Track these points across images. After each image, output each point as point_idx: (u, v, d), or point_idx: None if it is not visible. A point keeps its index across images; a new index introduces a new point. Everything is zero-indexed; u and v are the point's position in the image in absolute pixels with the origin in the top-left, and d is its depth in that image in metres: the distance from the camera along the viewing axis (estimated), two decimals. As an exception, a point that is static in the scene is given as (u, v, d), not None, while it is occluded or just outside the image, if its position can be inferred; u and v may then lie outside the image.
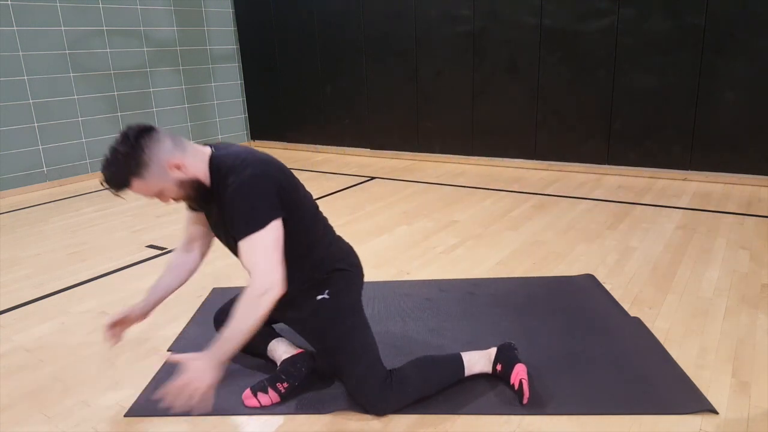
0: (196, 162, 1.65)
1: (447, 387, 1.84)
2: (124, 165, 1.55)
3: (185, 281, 1.92)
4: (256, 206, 1.60)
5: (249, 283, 1.57)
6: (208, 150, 1.71)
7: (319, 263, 1.80)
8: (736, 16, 4.07)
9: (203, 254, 1.95)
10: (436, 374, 1.81)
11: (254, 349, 2.06)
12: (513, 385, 1.80)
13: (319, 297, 1.79)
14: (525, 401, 1.75)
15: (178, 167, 1.61)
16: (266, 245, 1.58)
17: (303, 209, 1.76)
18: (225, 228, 1.71)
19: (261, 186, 1.62)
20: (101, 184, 1.61)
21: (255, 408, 1.81)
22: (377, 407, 1.73)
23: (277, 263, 1.58)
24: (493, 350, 1.90)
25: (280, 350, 1.95)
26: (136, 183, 1.58)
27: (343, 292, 1.82)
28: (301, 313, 1.83)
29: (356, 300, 1.86)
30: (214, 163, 1.67)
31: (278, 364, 1.92)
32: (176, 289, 1.91)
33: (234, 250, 1.78)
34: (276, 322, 2.14)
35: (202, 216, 1.85)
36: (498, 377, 1.87)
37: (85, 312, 2.59)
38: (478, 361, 1.88)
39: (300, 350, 1.92)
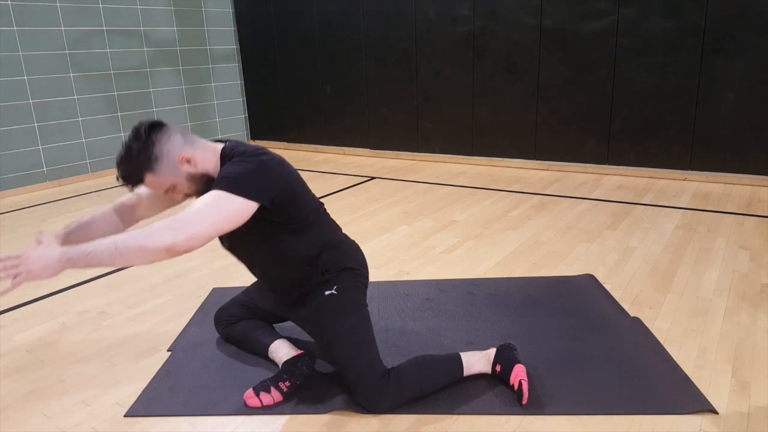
0: (206, 156, 1.69)
1: (445, 387, 1.85)
2: (137, 160, 1.60)
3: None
4: (251, 178, 1.59)
5: (171, 217, 1.51)
6: (220, 145, 1.74)
7: (329, 262, 1.83)
8: (736, 16, 4.07)
9: (132, 225, 1.92)
10: (434, 374, 1.81)
11: (256, 348, 2.07)
12: (512, 385, 1.80)
13: (327, 293, 1.81)
14: (524, 402, 1.75)
15: (188, 161, 1.64)
16: (225, 209, 1.54)
17: (312, 211, 1.81)
18: None
19: (268, 169, 1.64)
20: (117, 179, 1.64)
21: (256, 408, 1.81)
22: (374, 405, 1.73)
23: (210, 228, 1.51)
24: (493, 351, 1.91)
25: (282, 351, 1.96)
26: (149, 177, 1.63)
27: (351, 289, 1.84)
28: (309, 308, 1.85)
29: (362, 298, 1.88)
30: (226, 152, 1.71)
31: (280, 365, 1.93)
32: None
33: (237, 248, 1.81)
34: (280, 321, 2.15)
35: (166, 203, 1.84)
36: (498, 378, 1.87)
37: (85, 312, 2.59)
38: (477, 362, 1.88)
39: (301, 351, 1.93)
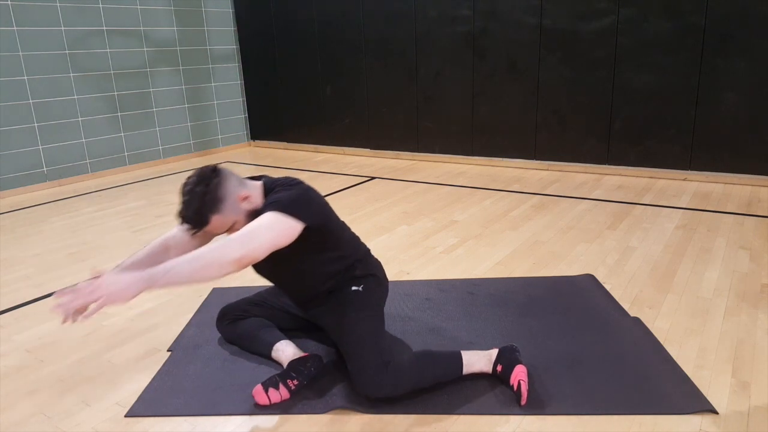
0: (256, 193, 1.83)
1: (443, 382, 1.86)
2: (203, 203, 1.69)
3: None
4: (297, 202, 1.76)
5: (234, 234, 1.65)
6: (260, 182, 1.89)
7: (358, 270, 1.99)
8: (736, 16, 4.07)
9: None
10: (432, 368, 1.83)
11: (259, 346, 2.07)
12: (512, 386, 1.80)
13: (353, 288, 1.96)
14: (523, 402, 1.75)
15: (246, 199, 1.77)
16: (279, 227, 1.68)
17: (341, 230, 1.97)
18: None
19: (310, 195, 1.81)
20: (181, 224, 1.74)
21: (260, 406, 1.82)
22: (371, 392, 1.75)
23: (267, 243, 1.65)
24: (495, 351, 1.91)
25: (288, 351, 1.98)
26: (214, 218, 1.72)
27: (373, 291, 1.99)
28: (332, 302, 1.96)
29: (382, 302, 2.02)
30: (268, 186, 1.86)
31: (284, 365, 1.94)
32: None
33: (279, 273, 1.95)
34: (291, 322, 2.19)
35: (198, 242, 1.88)
36: (498, 378, 1.88)
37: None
38: (478, 361, 1.89)
39: (308, 353, 1.95)
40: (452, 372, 1.86)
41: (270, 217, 1.68)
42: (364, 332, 1.84)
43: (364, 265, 2.01)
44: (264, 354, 2.06)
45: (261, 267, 1.92)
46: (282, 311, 2.18)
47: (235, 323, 2.16)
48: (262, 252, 1.63)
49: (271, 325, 2.13)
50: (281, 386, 1.82)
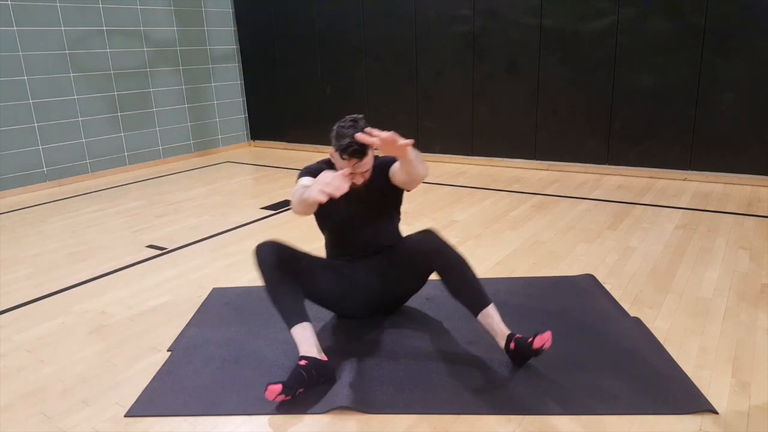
0: None
1: (469, 296, 2.02)
2: None
3: None
4: None
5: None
6: None
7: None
8: (736, 16, 4.07)
9: None
10: (474, 274, 2.05)
11: (290, 308, 1.99)
12: (533, 340, 1.86)
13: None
14: (537, 344, 1.84)
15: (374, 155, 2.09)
16: None
17: None
18: (364, 200, 2.21)
19: None
20: (348, 148, 2.01)
21: (261, 400, 1.82)
22: (431, 233, 2.17)
23: None
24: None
25: (311, 341, 1.94)
26: (370, 153, 2.06)
27: None
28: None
29: None
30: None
31: (300, 352, 1.91)
32: None
33: (362, 220, 2.27)
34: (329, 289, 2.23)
35: None
36: (513, 341, 1.93)
37: (85, 312, 2.59)
38: (497, 317, 2.00)
39: (326, 358, 1.94)
40: (482, 294, 2.02)
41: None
42: None
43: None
44: (289, 316, 1.97)
45: (355, 209, 2.22)
46: (329, 269, 2.24)
47: (294, 264, 2.07)
48: None
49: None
50: (290, 396, 1.80)
